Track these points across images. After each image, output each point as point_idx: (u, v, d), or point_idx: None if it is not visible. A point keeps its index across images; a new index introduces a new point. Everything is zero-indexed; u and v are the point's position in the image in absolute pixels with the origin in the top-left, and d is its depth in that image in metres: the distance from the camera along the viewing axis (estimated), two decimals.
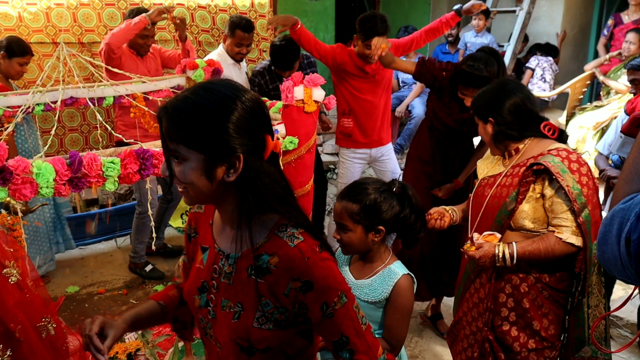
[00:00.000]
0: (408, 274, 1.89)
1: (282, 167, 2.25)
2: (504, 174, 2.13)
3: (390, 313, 1.87)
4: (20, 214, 3.18)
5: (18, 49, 3.65)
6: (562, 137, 2.13)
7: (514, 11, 6.25)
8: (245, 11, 5.04)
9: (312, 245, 1.23)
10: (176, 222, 4.88)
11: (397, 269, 1.89)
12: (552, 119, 5.97)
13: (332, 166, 6.07)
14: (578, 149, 5.14)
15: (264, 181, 1.21)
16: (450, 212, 2.33)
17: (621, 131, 3.28)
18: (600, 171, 3.57)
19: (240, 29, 3.94)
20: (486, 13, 6.20)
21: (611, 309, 2.17)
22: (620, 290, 3.45)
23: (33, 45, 4.25)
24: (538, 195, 2.03)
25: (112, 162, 1.87)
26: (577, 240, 1.99)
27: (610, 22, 5.83)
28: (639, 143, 1.09)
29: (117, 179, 1.90)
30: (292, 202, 1.28)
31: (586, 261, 2.02)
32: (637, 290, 1.21)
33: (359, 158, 3.92)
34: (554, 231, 2.01)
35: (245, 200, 1.21)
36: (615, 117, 4.67)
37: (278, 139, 2.26)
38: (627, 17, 5.67)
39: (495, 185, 2.14)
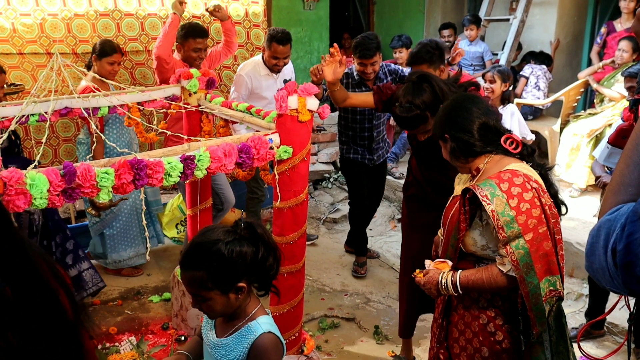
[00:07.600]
0: (270, 332, 1.64)
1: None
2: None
3: None
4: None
5: (108, 49, 3.76)
6: (525, 150, 1.98)
7: (508, 19, 6.29)
8: (239, 21, 5.06)
9: None
10: (171, 232, 4.86)
11: (257, 327, 1.63)
12: (546, 127, 5.96)
13: (327, 175, 6.07)
14: (572, 156, 5.16)
15: None
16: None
17: (608, 142, 3.29)
18: (596, 178, 3.58)
19: (275, 41, 3.98)
20: (477, 22, 6.23)
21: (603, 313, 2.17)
22: (615, 296, 3.44)
23: (26, 55, 4.27)
24: (485, 222, 1.93)
25: (106, 173, 1.86)
26: (518, 273, 1.83)
27: (603, 30, 5.87)
28: (625, 155, 1.09)
29: (111, 189, 1.89)
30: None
31: (530, 297, 1.85)
32: (622, 299, 1.23)
33: None
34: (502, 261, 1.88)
35: None
36: (610, 125, 4.70)
37: (272, 148, 2.26)
38: (619, 25, 5.71)
39: (454, 207, 2.04)
